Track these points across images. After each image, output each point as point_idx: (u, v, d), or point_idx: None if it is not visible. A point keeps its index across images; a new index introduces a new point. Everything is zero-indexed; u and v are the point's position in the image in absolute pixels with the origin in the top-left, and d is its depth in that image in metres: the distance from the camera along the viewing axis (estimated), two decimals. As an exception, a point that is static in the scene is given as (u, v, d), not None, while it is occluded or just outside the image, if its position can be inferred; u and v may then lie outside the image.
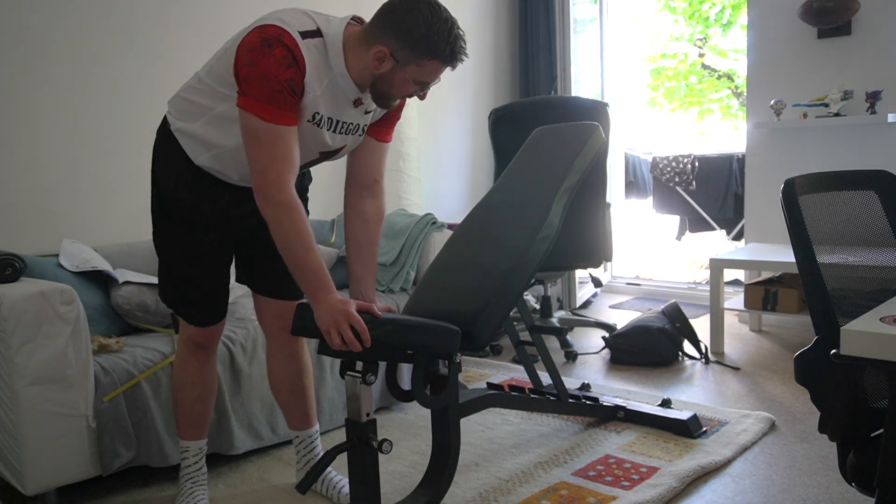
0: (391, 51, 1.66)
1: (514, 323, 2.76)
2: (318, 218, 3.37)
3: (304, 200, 2.13)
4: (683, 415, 2.61)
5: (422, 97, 1.79)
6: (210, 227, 1.93)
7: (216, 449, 2.36)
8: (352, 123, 1.83)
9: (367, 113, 1.85)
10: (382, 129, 1.95)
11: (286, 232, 1.67)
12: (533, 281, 4.22)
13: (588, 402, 2.66)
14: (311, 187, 2.18)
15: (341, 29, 1.72)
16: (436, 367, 1.90)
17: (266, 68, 1.61)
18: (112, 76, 3.04)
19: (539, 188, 2.20)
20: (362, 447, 1.79)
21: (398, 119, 1.98)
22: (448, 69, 1.72)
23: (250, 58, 1.63)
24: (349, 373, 1.80)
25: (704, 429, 2.60)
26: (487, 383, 2.49)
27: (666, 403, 2.79)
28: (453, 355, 1.85)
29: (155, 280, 2.56)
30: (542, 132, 2.50)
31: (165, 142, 1.90)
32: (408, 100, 1.87)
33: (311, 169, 2.08)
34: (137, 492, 2.28)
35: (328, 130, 1.79)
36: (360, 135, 1.89)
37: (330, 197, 3.56)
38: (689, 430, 2.55)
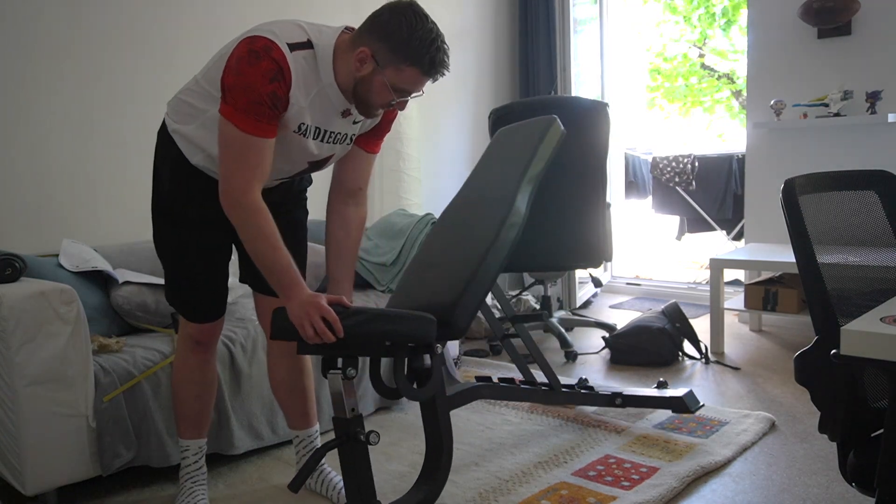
0: (373, 52, 1.68)
1: (504, 325, 2.76)
2: (318, 218, 3.36)
3: (303, 201, 2.15)
4: (679, 392, 2.63)
5: (400, 107, 1.80)
6: (206, 224, 1.95)
7: (216, 449, 2.36)
8: (339, 133, 1.85)
9: (355, 123, 1.87)
10: (371, 140, 1.97)
11: (252, 234, 1.71)
12: (532, 280, 4.22)
13: (583, 390, 2.66)
14: (310, 189, 2.19)
15: (332, 40, 1.74)
16: (420, 361, 1.91)
17: (250, 80, 1.64)
18: (113, 77, 3.04)
19: (503, 181, 2.21)
20: (351, 443, 1.80)
21: (387, 131, 2.00)
22: (430, 81, 1.74)
23: (238, 67, 1.66)
24: (331, 371, 1.81)
25: (702, 403, 2.63)
26: (476, 377, 2.48)
27: (662, 385, 2.82)
28: (434, 346, 1.86)
29: (155, 280, 2.57)
30: (504, 132, 2.50)
31: (163, 142, 1.93)
32: (408, 102, 1.87)
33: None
34: (137, 492, 2.28)
35: (315, 140, 1.82)
36: (347, 144, 1.91)
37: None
38: (687, 405, 2.57)
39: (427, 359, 1.90)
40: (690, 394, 2.60)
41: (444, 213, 2.32)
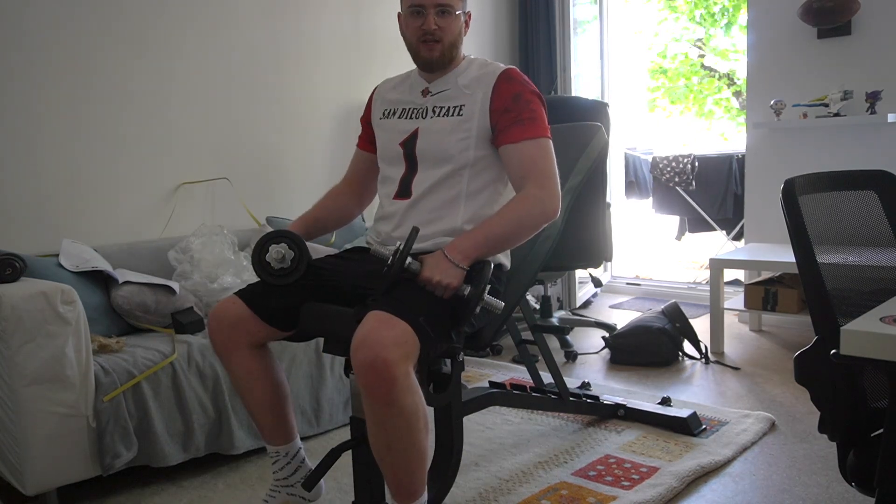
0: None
1: (516, 322, 2.77)
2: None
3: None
4: (683, 412, 2.61)
5: (426, 27, 1.87)
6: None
7: (216, 449, 2.37)
8: (419, 107, 1.97)
9: (433, 95, 1.97)
10: (506, 132, 1.85)
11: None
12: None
13: (588, 400, 2.66)
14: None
15: None
16: (439, 365, 1.90)
17: None
18: (113, 77, 3.04)
19: None
20: (367, 444, 1.80)
21: (514, 116, 1.84)
22: None
23: None
24: (353, 372, 1.80)
25: (704, 426, 2.61)
26: (490, 382, 2.49)
27: (665, 401, 2.80)
28: (457, 354, 1.86)
29: (155, 280, 2.57)
30: None
31: None
32: (431, 19, 1.95)
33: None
34: (137, 492, 2.29)
35: (395, 118, 1.99)
36: (430, 118, 1.94)
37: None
38: (690, 427, 2.55)
39: (447, 364, 1.89)
40: (694, 415, 2.59)
41: None
